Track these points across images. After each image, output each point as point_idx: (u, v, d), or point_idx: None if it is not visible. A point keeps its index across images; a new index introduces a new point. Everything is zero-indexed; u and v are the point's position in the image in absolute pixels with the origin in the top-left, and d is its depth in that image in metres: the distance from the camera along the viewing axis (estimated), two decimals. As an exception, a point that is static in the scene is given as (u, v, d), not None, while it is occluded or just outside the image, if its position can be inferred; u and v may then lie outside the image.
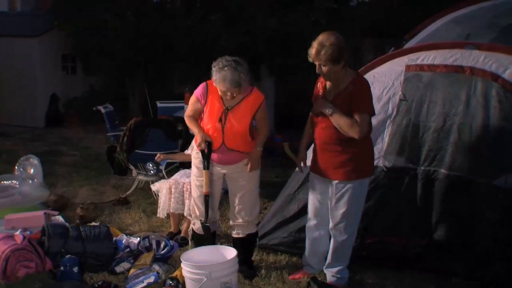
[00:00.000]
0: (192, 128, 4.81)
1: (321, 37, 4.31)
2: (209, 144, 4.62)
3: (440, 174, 4.80)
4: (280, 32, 9.88)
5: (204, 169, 4.69)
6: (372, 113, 4.43)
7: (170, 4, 12.01)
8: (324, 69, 4.33)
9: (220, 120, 4.68)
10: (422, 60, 5.05)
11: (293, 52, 9.68)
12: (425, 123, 4.91)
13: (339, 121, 4.30)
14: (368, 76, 5.22)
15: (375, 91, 5.08)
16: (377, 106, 5.02)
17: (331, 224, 4.59)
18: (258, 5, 10.40)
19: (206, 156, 4.65)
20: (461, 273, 4.72)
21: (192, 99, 4.85)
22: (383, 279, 4.75)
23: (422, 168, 4.87)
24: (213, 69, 4.58)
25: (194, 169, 4.96)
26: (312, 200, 4.75)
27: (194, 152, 4.98)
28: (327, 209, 4.62)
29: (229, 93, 4.56)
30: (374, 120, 4.94)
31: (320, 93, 4.55)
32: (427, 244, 4.85)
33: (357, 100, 4.33)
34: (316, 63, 4.34)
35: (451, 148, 4.79)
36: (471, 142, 4.75)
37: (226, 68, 4.51)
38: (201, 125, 4.79)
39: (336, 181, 4.46)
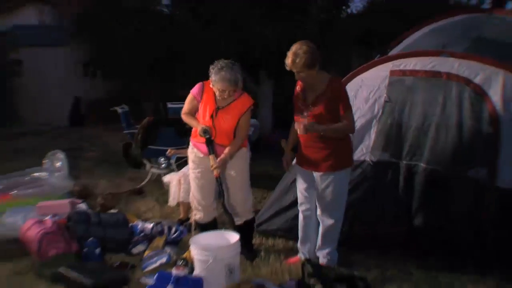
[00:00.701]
0: (191, 122, 4.72)
1: (294, 48, 4.28)
2: (206, 132, 4.53)
3: (419, 167, 4.80)
4: (276, 41, 9.84)
5: (209, 154, 4.58)
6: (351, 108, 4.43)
7: (177, 15, 11.98)
8: (302, 75, 4.30)
9: (212, 117, 4.63)
10: (405, 66, 5.05)
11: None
12: (407, 122, 4.91)
13: (334, 131, 4.30)
14: (357, 80, 5.27)
15: (363, 93, 5.15)
16: (364, 107, 5.09)
17: (318, 211, 4.56)
18: (256, 16, 10.36)
19: (208, 143, 4.57)
20: (435, 254, 4.72)
21: (189, 97, 4.76)
22: (369, 260, 4.74)
23: (404, 162, 4.87)
24: (212, 71, 4.53)
25: (190, 163, 4.89)
26: (300, 190, 4.71)
27: (190, 148, 4.91)
28: (313, 196, 4.59)
29: (227, 92, 4.50)
30: (362, 119, 5.04)
31: (299, 95, 4.52)
32: (408, 229, 4.83)
33: (340, 101, 4.30)
34: (294, 71, 4.31)
35: (430, 144, 4.79)
36: (447, 139, 4.75)
37: (224, 69, 4.46)
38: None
39: (321, 173, 4.44)
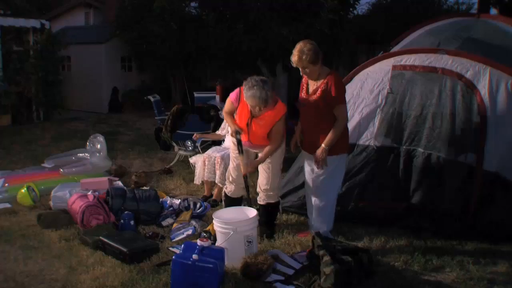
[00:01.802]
0: (228, 122, 4.63)
1: (299, 46, 4.15)
2: (238, 133, 4.45)
3: (417, 152, 4.74)
4: (290, 38, 9.70)
5: (239, 153, 4.51)
6: (345, 100, 4.27)
7: (205, 15, 11.89)
8: (307, 70, 4.18)
9: (247, 124, 4.46)
10: (405, 61, 4.98)
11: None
12: (407, 111, 4.85)
13: (332, 139, 4.15)
14: (363, 73, 5.21)
15: (368, 85, 5.09)
16: (369, 97, 5.04)
17: (312, 192, 4.41)
18: (273, 17, 10.25)
19: (238, 143, 4.48)
20: (429, 228, 4.65)
21: (228, 100, 4.58)
22: (371, 234, 4.65)
23: (404, 147, 4.80)
24: (244, 88, 4.29)
25: (231, 145, 4.74)
26: (307, 172, 4.56)
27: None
28: None
29: (257, 108, 4.29)
30: (367, 109, 4.99)
31: (303, 87, 4.38)
32: (406, 207, 4.74)
33: (334, 96, 4.14)
34: (300, 67, 4.19)
35: (427, 131, 4.74)
36: (442, 127, 4.69)
37: (255, 87, 4.20)
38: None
39: None
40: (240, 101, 4.48)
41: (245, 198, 4.81)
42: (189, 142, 7.31)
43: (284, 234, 4.66)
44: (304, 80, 4.42)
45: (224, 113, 4.70)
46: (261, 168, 4.65)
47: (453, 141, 4.63)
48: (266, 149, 4.47)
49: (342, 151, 4.34)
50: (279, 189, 4.83)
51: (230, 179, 4.83)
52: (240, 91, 4.47)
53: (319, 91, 4.21)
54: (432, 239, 4.53)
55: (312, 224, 4.50)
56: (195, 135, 6.61)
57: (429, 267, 4.03)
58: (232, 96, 4.57)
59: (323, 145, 4.18)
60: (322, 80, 4.22)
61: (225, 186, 4.98)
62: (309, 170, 4.52)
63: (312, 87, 4.31)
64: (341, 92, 4.24)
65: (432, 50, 5.02)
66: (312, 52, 4.10)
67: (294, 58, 4.17)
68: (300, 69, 4.24)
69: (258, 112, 4.36)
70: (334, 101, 4.16)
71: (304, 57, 4.11)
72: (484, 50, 5.02)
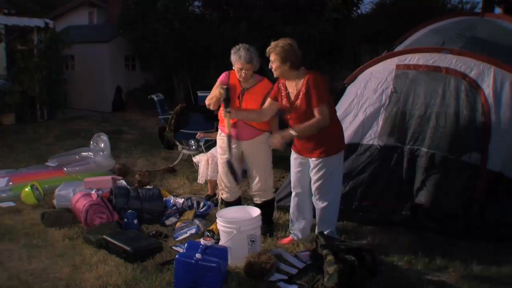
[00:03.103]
0: (211, 94, 4.49)
1: (279, 40, 4.11)
2: (227, 90, 4.32)
3: (421, 151, 4.72)
4: (294, 38, 9.70)
5: (226, 112, 4.33)
6: (327, 100, 4.03)
7: (208, 14, 11.91)
8: (273, 65, 4.08)
9: (238, 97, 4.47)
10: (409, 61, 4.97)
11: (304, 53, 9.58)
12: (411, 111, 4.84)
13: (306, 130, 4.01)
14: (366, 73, 5.20)
15: (372, 84, 5.08)
16: (373, 97, 5.03)
17: (313, 195, 4.29)
18: (278, 17, 10.26)
19: (226, 100, 4.33)
20: (433, 228, 4.63)
21: (217, 84, 4.55)
22: (374, 233, 4.65)
23: (408, 146, 4.78)
24: (231, 53, 4.45)
25: (218, 149, 4.69)
26: (294, 173, 4.42)
27: (218, 134, 4.70)
28: (306, 180, 4.32)
29: (244, 70, 4.38)
30: (371, 108, 4.98)
31: (282, 94, 4.22)
32: (409, 206, 4.71)
33: (312, 96, 3.99)
34: (270, 58, 4.11)
35: (430, 131, 4.71)
36: (446, 126, 4.67)
37: (240, 49, 4.40)
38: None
39: (314, 159, 4.17)
40: (230, 80, 4.53)
41: (247, 196, 4.80)
42: (192, 141, 7.31)
43: (287, 233, 4.65)
44: (281, 84, 4.25)
45: (207, 98, 4.54)
46: (255, 171, 4.62)
47: (457, 140, 4.61)
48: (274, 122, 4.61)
49: (338, 149, 4.21)
50: (273, 185, 4.81)
51: (223, 185, 4.74)
52: (228, 72, 4.58)
53: (301, 95, 4.05)
54: (436, 239, 4.52)
55: (317, 228, 4.38)
56: (199, 134, 6.60)
57: (433, 267, 4.02)
58: (221, 77, 4.59)
59: (291, 131, 4.03)
60: (301, 81, 4.09)
61: (221, 192, 4.89)
62: (296, 172, 4.39)
63: (292, 92, 4.16)
64: (322, 91, 4.01)
65: (436, 49, 5.00)
66: (285, 49, 4.01)
67: (269, 46, 4.14)
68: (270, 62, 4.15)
69: (246, 77, 4.43)
70: (314, 102, 3.99)
71: (273, 50, 4.06)
72: (488, 50, 5.00)
